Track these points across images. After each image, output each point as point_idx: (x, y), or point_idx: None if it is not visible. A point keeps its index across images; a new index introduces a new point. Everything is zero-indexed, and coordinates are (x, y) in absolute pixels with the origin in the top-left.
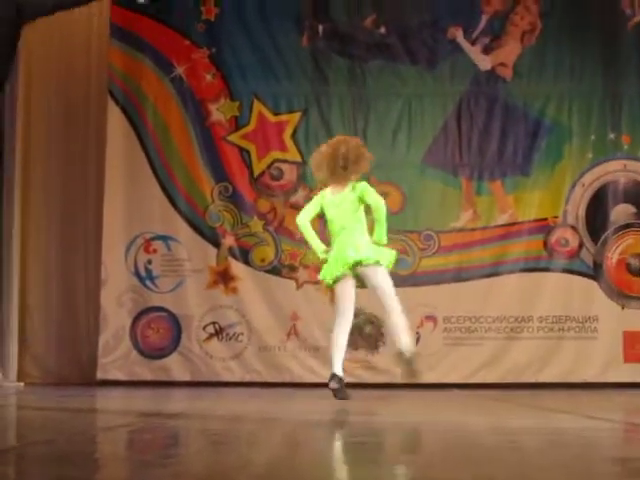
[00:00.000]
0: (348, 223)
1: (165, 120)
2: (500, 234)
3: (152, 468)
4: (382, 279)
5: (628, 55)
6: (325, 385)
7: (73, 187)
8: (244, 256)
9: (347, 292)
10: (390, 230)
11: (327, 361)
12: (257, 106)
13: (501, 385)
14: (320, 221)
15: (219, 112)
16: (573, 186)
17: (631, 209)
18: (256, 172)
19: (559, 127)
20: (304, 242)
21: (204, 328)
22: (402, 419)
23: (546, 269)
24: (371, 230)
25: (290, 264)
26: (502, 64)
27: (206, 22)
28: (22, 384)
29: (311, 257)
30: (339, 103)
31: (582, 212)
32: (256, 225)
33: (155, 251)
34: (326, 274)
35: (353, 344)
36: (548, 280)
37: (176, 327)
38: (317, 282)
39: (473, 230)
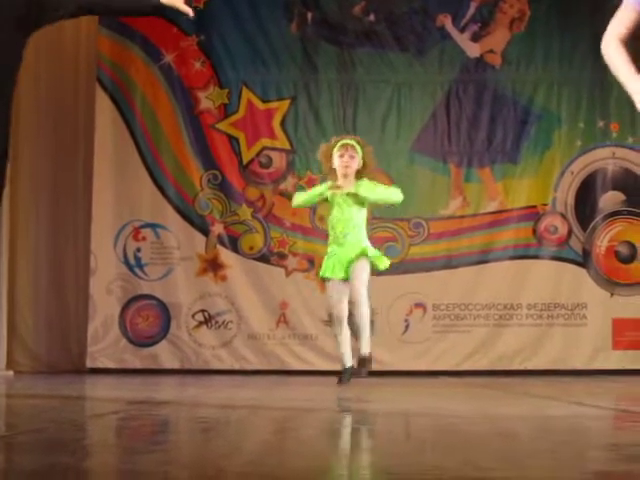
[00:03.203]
0: None
1: (154, 108)
2: (489, 221)
3: (141, 455)
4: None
5: None
6: (314, 373)
7: (62, 175)
8: (233, 244)
9: None
10: (379, 217)
11: (315, 348)
12: (246, 94)
13: (490, 372)
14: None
15: (208, 100)
16: (562, 174)
17: (620, 196)
18: (245, 160)
19: (548, 115)
20: None
21: (193, 316)
22: (391, 406)
23: (535, 256)
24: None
25: (279, 252)
26: (491, 51)
27: (195, 9)
28: (11, 372)
29: None
30: (328, 90)
31: (571, 200)
32: (245, 213)
33: (144, 239)
34: None
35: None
36: (537, 267)
37: (165, 315)
38: (306, 270)
39: (462, 217)
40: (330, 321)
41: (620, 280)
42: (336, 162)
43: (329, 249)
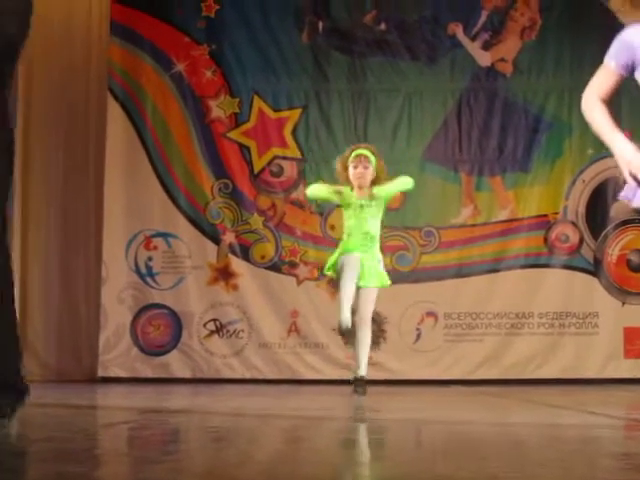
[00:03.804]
0: None
1: (165, 117)
2: (500, 230)
3: (153, 464)
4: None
5: None
6: (325, 382)
7: (73, 184)
8: (244, 253)
9: None
10: (390, 226)
11: (326, 357)
12: (257, 102)
13: (502, 381)
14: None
15: (219, 109)
16: (573, 182)
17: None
18: (256, 169)
19: (559, 123)
20: None
21: (205, 325)
22: (403, 415)
23: (546, 265)
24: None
25: (290, 260)
26: (502, 60)
27: (206, 19)
28: None
29: None
30: (339, 99)
31: (582, 208)
32: (256, 222)
33: (155, 248)
34: None
35: (354, 340)
36: (548, 276)
37: (177, 324)
38: (318, 278)
39: (473, 226)
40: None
41: (632, 289)
42: (350, 173)
43: (343, 248)
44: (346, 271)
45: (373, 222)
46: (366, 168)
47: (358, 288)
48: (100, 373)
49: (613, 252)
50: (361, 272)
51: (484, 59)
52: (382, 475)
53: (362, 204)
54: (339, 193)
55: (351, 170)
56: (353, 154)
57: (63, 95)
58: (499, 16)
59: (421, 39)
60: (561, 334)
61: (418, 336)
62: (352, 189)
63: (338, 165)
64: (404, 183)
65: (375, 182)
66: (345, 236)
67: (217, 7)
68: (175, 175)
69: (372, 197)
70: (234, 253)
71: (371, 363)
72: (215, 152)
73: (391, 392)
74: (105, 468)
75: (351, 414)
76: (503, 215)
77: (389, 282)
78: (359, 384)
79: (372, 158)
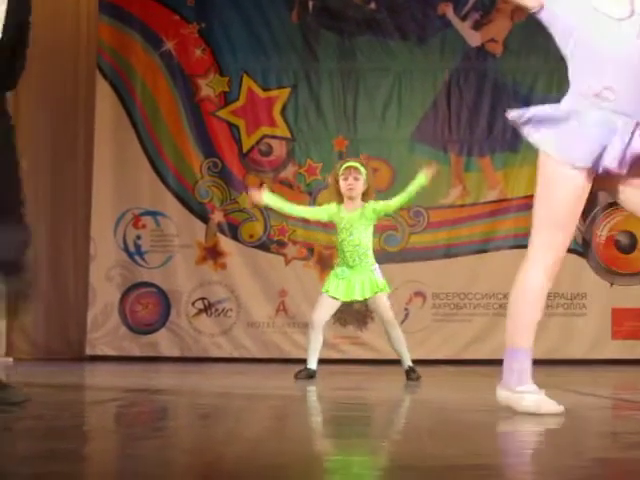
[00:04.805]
0: None
1: (154, 95)
2: (489, 210)
3: (141, 441)
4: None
5: None
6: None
7: (62, 162)
8: (233, 232)
9: None
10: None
11: None
12: (246, 81)
13: (490, 361)
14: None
15: (208, 87)
16: None
17: None
18: (245, 148)
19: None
20: None
21: (193, 304)
22: (390, 395)
23: None
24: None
25: (279, 240)
26: (492, 40)
27: None
28: (10, 359)
29: None
30: (329, 79)
31: None
32: (245, 201)
33: (144, 226)
34: None
35: (342, 320)
36: None
37: (165, 303)
38: (305, 258)
39: (462, 206)
40: (309, 325)
41: (620, 270)
42: (341, 185)
43: (338, 269)
44: (315, 321)
45: (364, 235)
46: (357, 179)
47: (365, 300)
48: (88, 351)
49: (602, 233)
50: (357, 286)
51: (474, 39)
52: (369, 453)
53: (351, 218)
54: (324, 210)
55: (342, 182)
56: (343, 167)
57: (52, 74)
58: None
59: (411, 18)
60: (549, 315)
61: (406, 316)
62: (341, 203)
63: (330, 179)
64: (418, 185)
65: (365, 194)
66: (338, 251)
67: None
68: (164, 154)
69: (363, 214)
70: (222, 232)
71: (358, 343)
72: (204, 131)
73: (378, 371)
74: (94, 444)
75: (331, 392)
76: (492, 195)
77: (388, 289)
78: (411, 374)
79: (362, 170)
